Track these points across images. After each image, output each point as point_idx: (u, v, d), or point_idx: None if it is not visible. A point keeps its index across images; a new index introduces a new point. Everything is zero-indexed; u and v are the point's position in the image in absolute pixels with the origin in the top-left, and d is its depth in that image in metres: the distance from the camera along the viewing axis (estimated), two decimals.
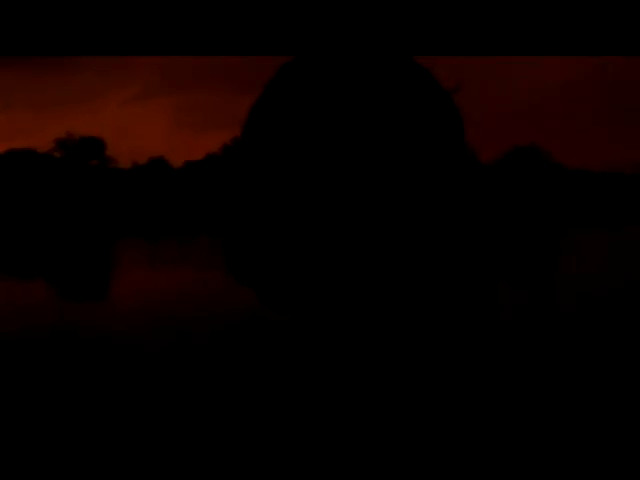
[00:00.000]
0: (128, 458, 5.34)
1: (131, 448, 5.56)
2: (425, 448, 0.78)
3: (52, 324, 12.70)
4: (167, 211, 69.47)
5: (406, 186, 0.82)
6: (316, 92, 0.84)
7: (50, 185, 74.02)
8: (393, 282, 0.83)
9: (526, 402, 0.79)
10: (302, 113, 0.84)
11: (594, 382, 0.81)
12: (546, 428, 0.78)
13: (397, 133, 0.82)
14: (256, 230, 0.86)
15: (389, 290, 0.83)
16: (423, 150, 0.83)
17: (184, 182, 78.03)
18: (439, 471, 0.78)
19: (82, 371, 8.75)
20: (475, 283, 0.85)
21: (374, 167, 0.82)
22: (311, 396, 0.86)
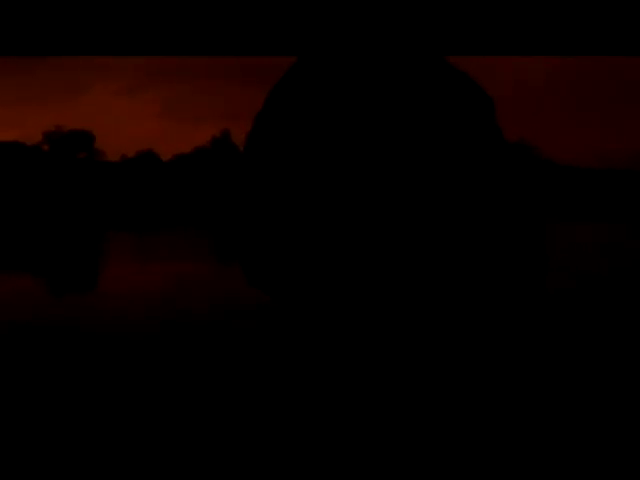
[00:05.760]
0: (118, 445, 5.39)
1: (121, 437, 5.62)
2: (425, 447, 0.78)
3: (39, 317, 12.78)
4: (156, 204, 69.77)
5: (414, 182, 0.80)
6: (326, 90, 0.81)
7: (38, 178, 74.14)
8: (399, 282, 0.81)
9: (525, 400, 0.79)
10: (313, 111, 0.81)
11: (592, 378, 0.80)
12: (546, 424, 0.77)
13: (405, 127, 0.80)
14: (268, 230, 0.84)
15: (395, 290, 0.81)
16: (429, 145, 0.81)
17: (173, 175, 78.49)
18: (440, 471, 0.77)
19: (68, 364, 8.82)
20: (479, 279, 0.84)
21: (381, 163, 0.80)
22: (307, 389, 0.83)
